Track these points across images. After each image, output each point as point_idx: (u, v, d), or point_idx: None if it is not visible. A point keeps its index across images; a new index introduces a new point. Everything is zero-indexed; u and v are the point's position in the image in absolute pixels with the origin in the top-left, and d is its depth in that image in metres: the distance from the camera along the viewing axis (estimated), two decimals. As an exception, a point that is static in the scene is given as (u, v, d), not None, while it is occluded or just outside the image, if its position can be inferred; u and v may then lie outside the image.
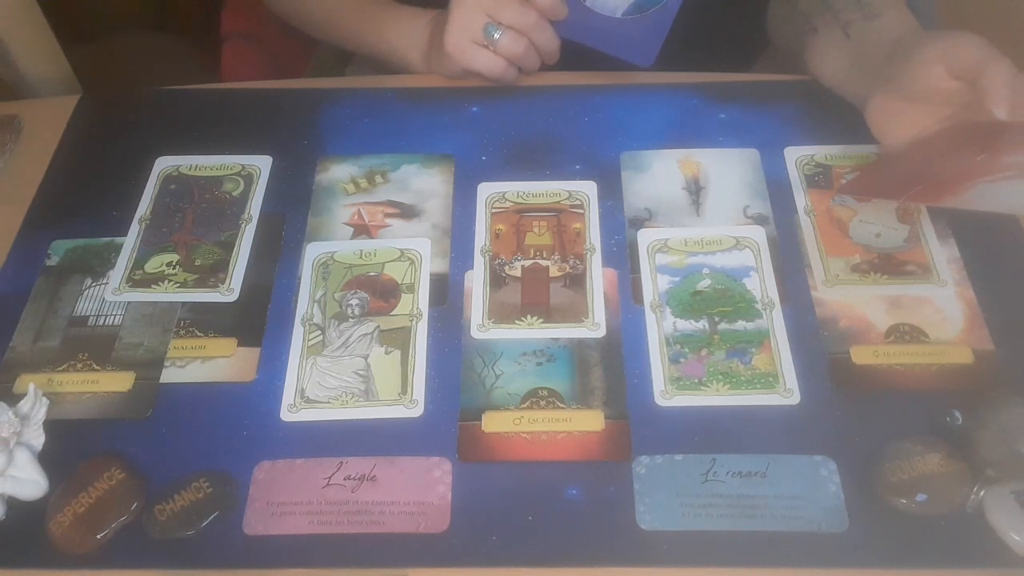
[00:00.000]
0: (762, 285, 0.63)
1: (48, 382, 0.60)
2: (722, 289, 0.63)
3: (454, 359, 0.60)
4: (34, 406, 0.57)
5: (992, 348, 0.59)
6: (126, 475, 0.55)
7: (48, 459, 0.56)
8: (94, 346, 0.62)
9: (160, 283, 0.65)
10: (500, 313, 0.62)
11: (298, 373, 0.60)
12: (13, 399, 0.58)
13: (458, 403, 0.58)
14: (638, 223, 0.67)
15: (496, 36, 0.69)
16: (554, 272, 0.65)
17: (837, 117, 0.72)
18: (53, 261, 0.67)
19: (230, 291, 0.65)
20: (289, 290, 0.64)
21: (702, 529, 0.53)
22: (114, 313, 0.64)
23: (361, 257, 0.66)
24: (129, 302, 0.64)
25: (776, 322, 0.61)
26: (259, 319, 0.63)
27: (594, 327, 0.61)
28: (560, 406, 0.58)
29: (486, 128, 0.74)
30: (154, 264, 0.66)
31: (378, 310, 0.63)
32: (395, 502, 0.54)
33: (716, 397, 0.58)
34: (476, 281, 0.64)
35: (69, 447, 0.57)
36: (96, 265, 0.66)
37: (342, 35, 0.83)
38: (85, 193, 0.71)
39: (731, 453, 0.55)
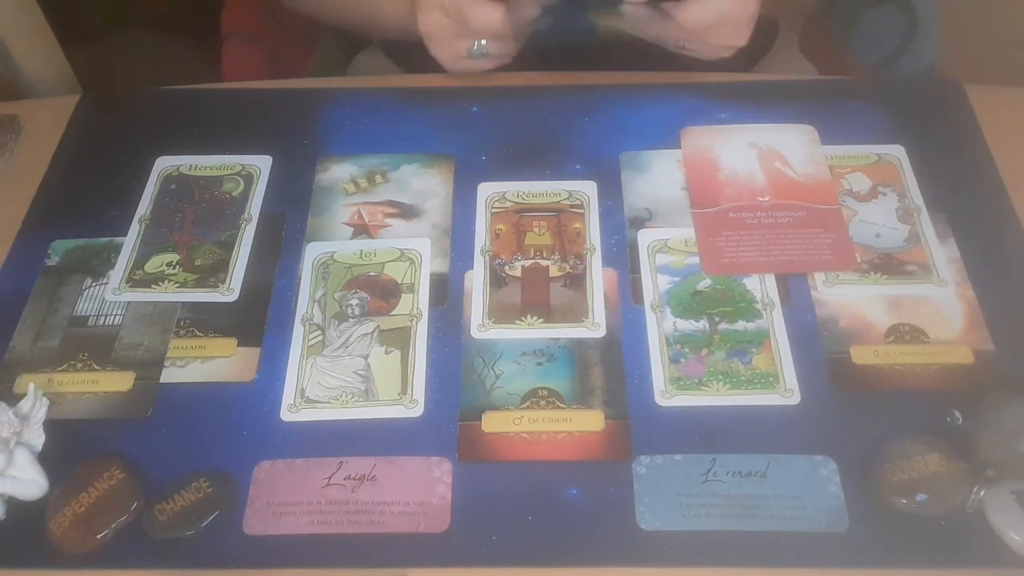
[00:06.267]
0: (762, 285, 0.63)
1: (48, 382, 0.60)
2: (722, 289, 0.63)
3: (454, 359, 0.60)
4: (34, 406, 0.57)
5: (992, 348, 0.59)
6: (126, 475, 0.55)
7: (48, 459, 0.56)
8: (94, 346, 0.62)
9: (160, 283, 0.65)
10: (500, 313, 0.62)
11: (298, 373, 0.60)
12: (13, 399, 0.58)
13: (458, 403, 0.58)
14: (638, 223, 0.67)
15: (482, 53, 0.69)
16: (554, 272, 0.65)
17: (837, 118, 0.72)
18: (53, 261, 0.67)
19: (230, 291, 0.64)
20: (289, 290, 0.64)
21: (702, 529, 0.53)
22: (114, 313, 0.64)
23: (361, 257, 0.66)
24: (129, 302, 0.64)
25: (776, 322, 0.61)
26: (259, 319, 0.63)
27: (594, 327, 0.61)
28: (560, 406, 0.58)
29: (486, 128, 0.73)
30: (154, 264, 0.66)
31: (378, 310, 0.63)
32: (395, 502, 0.54)
33: (716, 397, 0.58)
34: (476, 281, 0.64)
35: (69, 447, 0.57)
36: (96, 265, 0.66)
37: (337, 9, 0.82)
38: (85, 193, 0.71)
39: (731, 453, 0.55)
